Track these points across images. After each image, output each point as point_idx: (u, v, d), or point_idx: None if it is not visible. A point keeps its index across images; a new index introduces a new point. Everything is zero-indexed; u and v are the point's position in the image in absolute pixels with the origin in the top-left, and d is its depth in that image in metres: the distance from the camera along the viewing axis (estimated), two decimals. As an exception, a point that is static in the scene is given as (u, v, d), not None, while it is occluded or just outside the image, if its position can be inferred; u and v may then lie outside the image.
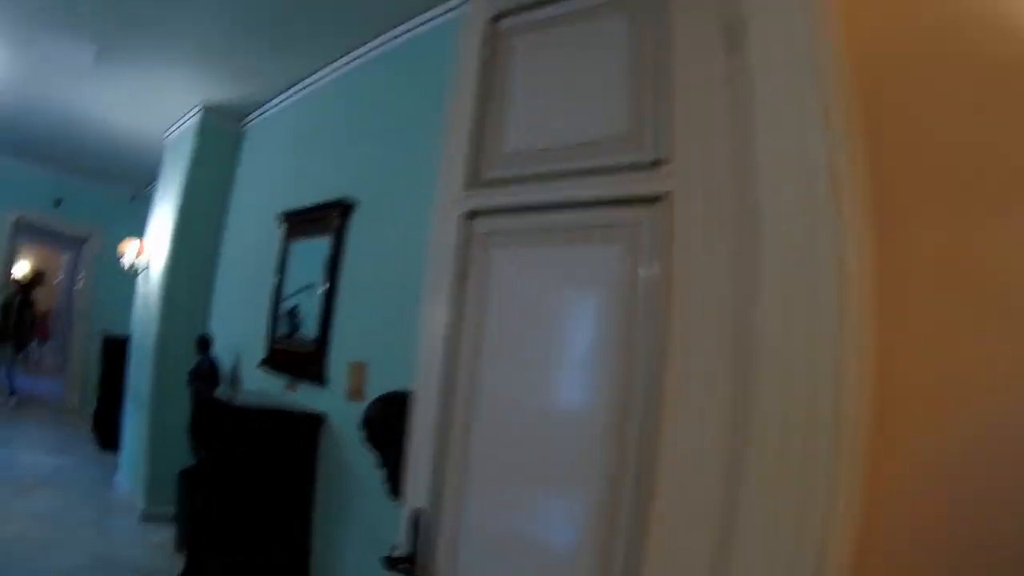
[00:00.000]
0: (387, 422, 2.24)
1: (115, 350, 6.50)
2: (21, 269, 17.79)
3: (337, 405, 3.08)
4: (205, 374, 4.02)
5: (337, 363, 3.12)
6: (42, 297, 18.31)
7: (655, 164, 1.17)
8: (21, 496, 4.83)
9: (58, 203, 9.11)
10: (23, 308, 8.50)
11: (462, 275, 1.44)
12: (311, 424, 3.17)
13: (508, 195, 1.41)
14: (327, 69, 3.91)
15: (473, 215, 1.45)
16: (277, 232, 3.93)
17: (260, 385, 3.79)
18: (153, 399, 4.74)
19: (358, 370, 2.94)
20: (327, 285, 3.25)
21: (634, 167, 1.20)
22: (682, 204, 1.12)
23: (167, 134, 5.89)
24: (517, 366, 1.34)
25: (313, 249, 3.48)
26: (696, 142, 1.13)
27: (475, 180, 1.47)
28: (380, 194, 3.09)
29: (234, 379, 4.11)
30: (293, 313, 3.61)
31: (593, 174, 1.26)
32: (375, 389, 2.78)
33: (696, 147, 1.13)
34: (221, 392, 3.74)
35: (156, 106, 5.39)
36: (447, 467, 1.38)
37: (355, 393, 2.93)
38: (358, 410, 2.85)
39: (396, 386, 2.46)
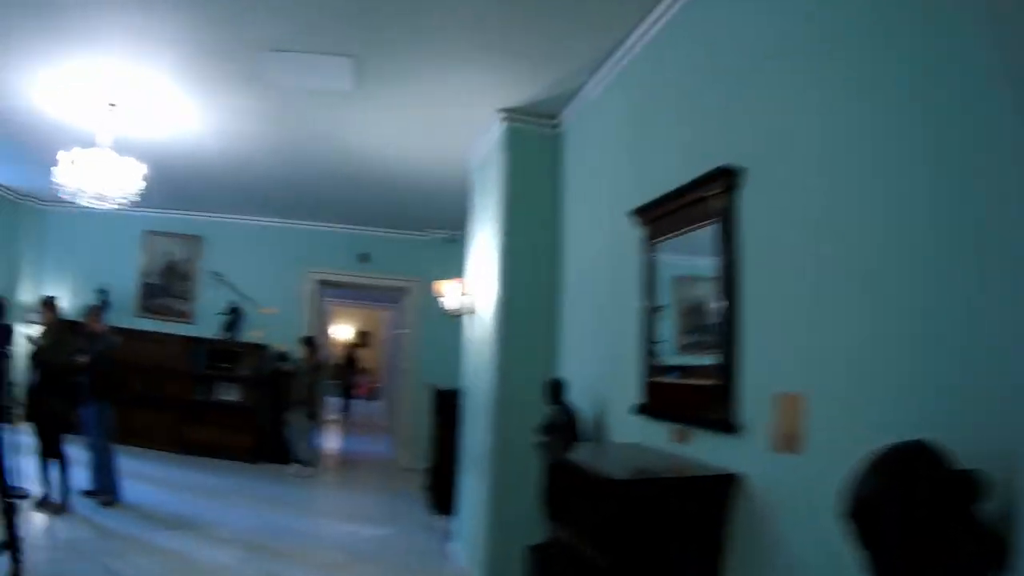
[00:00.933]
0: (900, 505, 1.49)
1: (448, 404, 6.63)
2: (342, 331, 20.53)
3: (757, 461, 2.39)
4: (559, 428, 3.65)
5: (753, 399, 2.44)
6: (366, 355, 20.92)
7: None
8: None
9: (365, 258, 9.97)
10: (318, 371, 9.19)
11: None
12: (714, 489, 2.52)
13: None
14: (654, 14, 3.40)
15: None
16: (633, 236, 3.44)
17: (635, 436, 3.28)
18: (494, 459, 4.58)
19: (790, 407, 2.24)
20: (723, 291, 2.62)
21: None
22: None
23: (469, 157, 5.88)
24: None
25: (689, 246, 2.90)
26: None
27: None
28: (781, 146, 2.40)
29: (597, 432, 3.68)
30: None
31: None
32: (822, 435, 2.04)
33: None
34: (581, 450, 3.32)
35: (446, 126, 5.37)
36: None
37: (786, 442, 2.23)
38: (791, 467, 2.16)
39: (872, 430, 1.71)
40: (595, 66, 4.13)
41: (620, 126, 3.96)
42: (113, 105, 5.41)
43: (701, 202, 2.78)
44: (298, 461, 8.84)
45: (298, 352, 9.21)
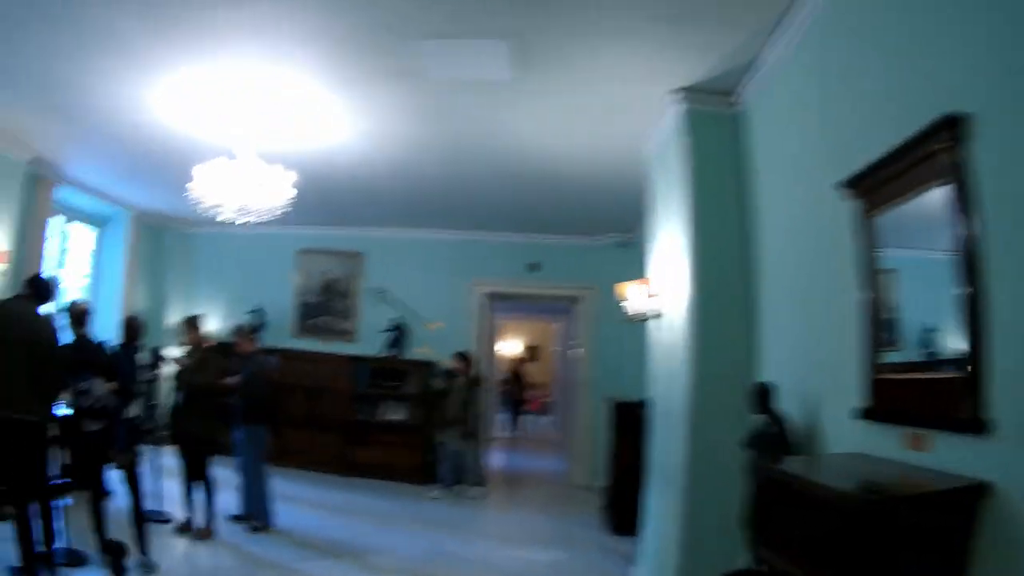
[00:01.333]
0: None
1: (629, 417, 6.49)
2: (510, 346, 20.77)
3: (1014, 465, 2.10)
4: (768, 439, 3.40)
5: (1008, 392, 2.14)
6: (535, 369, 21.09)
7: None
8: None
9: (535, 267, 9.98)
10: (474, 387, 9.10)
11: None
12: (960, 503, 2.22)
13: None
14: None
15: None
16: (839, 215, 3.16)
17: (856, 445, 2.99)
18: (688, 474, 4.40)
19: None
20: (963, 260, 2.30)
21: None
22: None
23: (642, 148, 5.73)
24: None
25: (913, 215, 2.61)
26: None
27: None
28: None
29: (809, 442, 3.41)
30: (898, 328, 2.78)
31: None
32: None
33: None
34: (794, 463, 3.06)
35: (615, 115, 5.24)
36: None
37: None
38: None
39: None
40: (771, 28, 3.91)
41: (809, 92, 3.71)
42: (251, 114, 5.45)
43: (924, 161, 2.49)
44: (443, 484, 8.79)
45: (453, 367, 9.16)
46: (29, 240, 7.64)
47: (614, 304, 7.49)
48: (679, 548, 4.41)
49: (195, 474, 5.88)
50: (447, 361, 9.29)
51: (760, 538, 2.83)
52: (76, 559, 4.70)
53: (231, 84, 5.08)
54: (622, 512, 6.54)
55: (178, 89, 5.25)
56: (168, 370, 6.57)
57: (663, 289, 5.23)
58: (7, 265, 7.04)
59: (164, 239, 10.77)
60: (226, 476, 6.21)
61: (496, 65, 4.43)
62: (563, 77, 4.66)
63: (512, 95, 5.00)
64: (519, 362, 21.17)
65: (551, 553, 6.36)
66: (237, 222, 5.74)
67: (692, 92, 4.68)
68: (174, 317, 9.97)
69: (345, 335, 10.32)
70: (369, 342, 10.07)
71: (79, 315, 5.60)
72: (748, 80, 4.50)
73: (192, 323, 6.32)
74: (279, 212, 5.80)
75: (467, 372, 9.04)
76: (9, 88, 5.51)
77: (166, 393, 6.67)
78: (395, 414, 9.73)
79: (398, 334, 9.88)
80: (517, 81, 4.73)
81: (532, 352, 21.67)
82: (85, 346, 5.54)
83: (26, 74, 5.18)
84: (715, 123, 4.71)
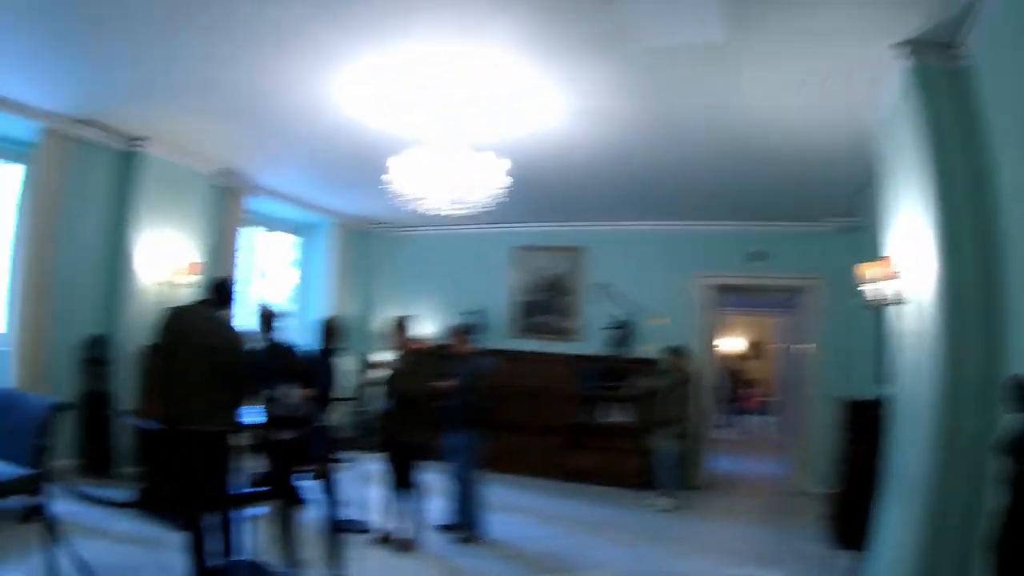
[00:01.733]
0: None
1: (864, 417, 5.98)
2: (730, 343, 19.92)
3: None
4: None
5: None
6: (756, 366, 20.15)
7: None
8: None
9: (758, 256, 9.48)
10: (687, 384, 8.53)
11: None
12: None
13: None
14: None
15: None
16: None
17: None
18: (934, 484, 3.97)
19: None
20: None
21: None
22: None
23: (868, 116, 5.25)
24: None
25: None
26: None
27: None
28: None
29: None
30: None
31: None
32: None
33: None
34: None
35: (837, 78, 4.79)
36: None
37: None
38: None
39: None
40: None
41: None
42: (448, 97, 5.23)
43: None
44: (661, 490, 8.33)
45: (665, 364, 8.70)
46: (221, 251, 8.25)
47: (841, 295, 6.93)
48: (918, 567, 4.00)
49: (403, 482, 5.82)
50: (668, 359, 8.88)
51: (1011, 565, 2.46)
52: (258, 573, 4.68)
53: (420, 67, 4.90)
54: (850, 523, 6.02)
55: (365, 80, 5.18)
56: (378, 375, 6.60)
57: (906, 271, 4.72)
58: (200, 276, 7.50)
59: (371, 243, 11.38)
60: (434, 483, 6.19)
61: (706, 23, 4.11)
62: (779, 36, 4.29)
63: (724, 61, 4.66)
64: (739, 359, 20.40)
65: (770, 571, 5.96)
66: (444, 213, 5.57)
67: (917, 45, 4.21)
68: (384, 321, 10.37)
69: (566, 334, 10.28)
70: (592, 341, 9.97)
71: (268, 319, 5.78)
72: (970, 27, 3.96)
73: (400, 326, 6.23)
74: (493, 203, 5.56)
75: (681, 368, 8.58)
76: (193, 100, 5.85)
77: (375, 398, 6.62)
78: (616, 416, 9.51)
79: (623, 332, 9.69)
80: (729, 46, 4.41)
81: (754, 349, 20.81)
82: (277, 351, 5.65)
83: (208, 85, 5.46)
84: (945, 80, 4.19)
